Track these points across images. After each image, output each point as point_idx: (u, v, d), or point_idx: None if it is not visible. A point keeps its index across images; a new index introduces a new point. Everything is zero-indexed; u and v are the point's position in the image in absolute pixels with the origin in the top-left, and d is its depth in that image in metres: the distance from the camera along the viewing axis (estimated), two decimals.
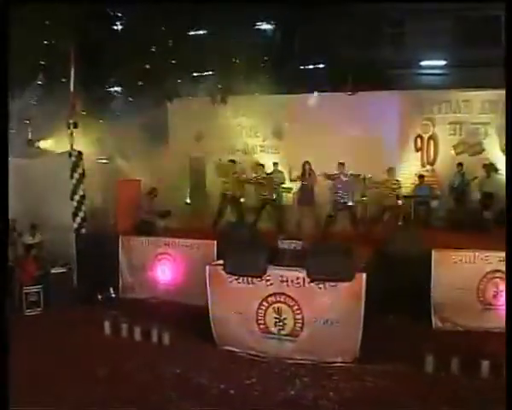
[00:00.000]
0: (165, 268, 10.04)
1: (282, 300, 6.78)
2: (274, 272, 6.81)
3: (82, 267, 10.35)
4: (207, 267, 7.16)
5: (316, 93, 14.39)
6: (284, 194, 13.80)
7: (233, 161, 13.11)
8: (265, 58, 14.62)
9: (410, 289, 8.16)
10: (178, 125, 15.20)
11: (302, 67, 13.80)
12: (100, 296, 9.92)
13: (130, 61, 13.22)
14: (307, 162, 11.87)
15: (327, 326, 6.61)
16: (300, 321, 6.73)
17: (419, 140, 14.19)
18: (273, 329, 6.87)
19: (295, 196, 12.66)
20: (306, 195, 11.77)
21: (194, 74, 14.59)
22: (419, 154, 14.20)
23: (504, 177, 12.26)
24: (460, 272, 8.22)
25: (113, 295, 10.15)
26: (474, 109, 13.79)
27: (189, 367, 6.67)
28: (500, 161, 13.08)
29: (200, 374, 6.46)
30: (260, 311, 6.89)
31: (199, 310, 7.61)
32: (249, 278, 6.87)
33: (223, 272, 7.00)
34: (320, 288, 6.60)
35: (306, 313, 6.68)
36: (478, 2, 13.13)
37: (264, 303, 6.86)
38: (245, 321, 6.97)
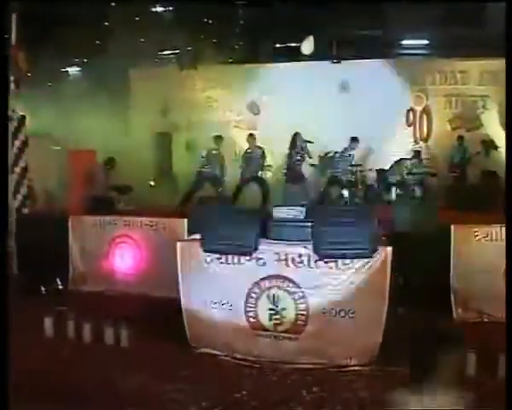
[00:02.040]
0: (124, 254, 8.26)
1: (279, 284, 5.11)
2: (268, 248, 5.14)
3: (23, 254, 8.52)
4: (178, 244, 5.45)
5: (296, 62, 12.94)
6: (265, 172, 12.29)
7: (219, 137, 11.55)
8: (241, 22, 12.96)
9: (424, 272, 6.79)
10: (142, 96, 13.49)
11: (281, 33, 12.08)
12: (44, 289, 8.08)
13: (86, 17, 11.43)
14: (298, 134, 10.45)
15: (339, 319, 5.00)
16: (304, 313, 5.08)
17: (411, 114, 12.93)
18: (267, 324, 5.20)
19: (285, 171, 11.20)
20: (297, 171, 10.37)
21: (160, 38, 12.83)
22: (411, 129, 12.89)
23: (503, 154, 11.38)
24: (484, 252, 6.73)
25: (61, 287, 8.34)
26: (471, 81, 12.58)
27: (156, 378, 4.98)
28: (499, 138, 11.87)
29: (171, 387, 4.79)
30: (250, 300, 5.21)
31: (168, 304, 5.93)
32: (235, 257, 5.20)
33: (199, 250, 5.31)
34: (331, 268, 4.97)
35: (312, 301, 5.04)
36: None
37: (256, 290, 5.18)
38: (229, 314, 5.30)
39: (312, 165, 12.03)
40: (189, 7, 11.89)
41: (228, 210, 5.58)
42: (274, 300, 5.13)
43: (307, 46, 11.31)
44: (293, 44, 12.96)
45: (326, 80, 12.90)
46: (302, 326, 5.10)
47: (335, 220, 4.93)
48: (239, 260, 5.18)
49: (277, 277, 5.11)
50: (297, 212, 5.19)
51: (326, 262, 4.96)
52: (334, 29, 12.74)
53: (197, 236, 5.43)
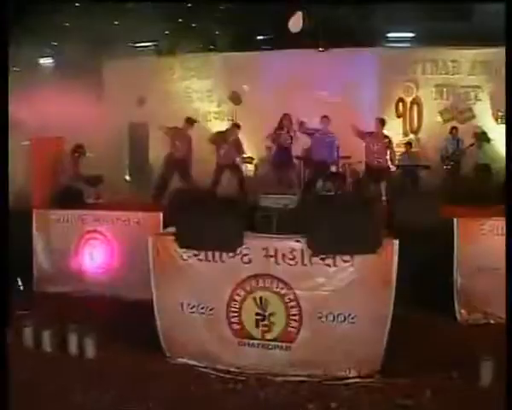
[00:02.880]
0: (94, 251, 7.46)
1: (267, 285, 4.42)
2: (254, 242, 4.43)
3: None
4: (150, 239, 4.72)
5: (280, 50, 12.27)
6: (244, 166, 11.62)
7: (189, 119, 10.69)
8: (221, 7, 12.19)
9: (424, 269, 6.17)
10: (117, 84, 12.70)
11: (262, 19, 11.39)
12: None
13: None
14: (287, 115, 9.72)
15: (337, 324, 4.33)
16: (297, 318, 4.39)
17: (400, 104, 12.31)
18: (254, 331, 4.50)
19: (271, 156, 10.47)
20: (284, 156, 9.65)
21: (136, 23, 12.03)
22: (401, 120, 12.30)
23: (495, 147, 10.87)
24: (491, 247, 6.10)
25: (22, 289, 7.52)
26: (463, 70, 12.02)
27: (126, 393, 4.25)
28: (492, 130, 11.36)
29: (142, 403, 4.07)
30: (234, 304, 4.51)
31: (141, 307, 5.18)
32: (215, 254, 4.49)
33: (175, 246, 4.59)
34: (328, 265, 4.29)
35: (306, 304, 4.35)
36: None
37: (240, 291, 4.48)
38: (210, 320, 4.60)
39: (298, 157, 11.38)
40: None
41: (207, 200, 4.86)
42: (261, 303, 4.42)
43: (295, 23, 10.39)
44: (277, 31, 12.24)
45: (311, 69, 12.23)
46: (294, 334, 4.40)
47: (333, 210, 4.25)
48: (220, 257, 4.46)
49: (265, 276, 4.40)
50: (288, 200, 4.48)
51: (322, 259, 4.27)
52: (320, 15, 12.06)
53: (172, 229, 4.70)
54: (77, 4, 10.85)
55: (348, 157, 11.14)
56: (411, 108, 12.41)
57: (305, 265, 4.31)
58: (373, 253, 4.20)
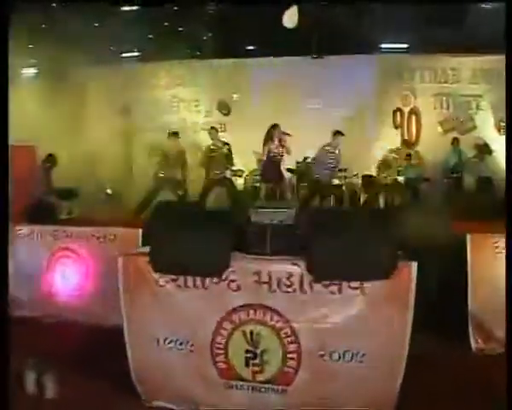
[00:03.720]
0: (66, 271, 6.72)
1: (259, 317, 3.69)
2: (244, 265, 3.72)
3: None
4: (120, 260, 4.00)
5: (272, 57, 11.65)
6: (234, 179, 10.93)
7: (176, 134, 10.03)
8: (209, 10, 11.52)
9: (435, 292, 5.50)
10: (99, 93, 12.02)
11: (253, 23, 10.75)
12: None
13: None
14: (276, 126, 9.04)
15: (343, 364, 3.60)
16: (294, 356, 3.65)
17: (398, 114, 11.70)
18: (244, 372, 3.75)
19: (260, 169, 9.74)
20: (274, 168, 8.94)
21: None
22: (398, 131, 11.70)
23: (497, 159, 10.28)
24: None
25: None
26: (463, 78, 11.44)
27: None
28: (494, 141, 10.79)
29: None
30: (219, 339, 3.77)
31: (117, 335, 4.44)
32: (197, 279, 3.77)
33: (149, 269, 3.86)
34: (332, 293, 3.58)
35: (306, 340, 3.63)
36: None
37: (227, 324, 3.74)
38: (191, 357, 3.86)
39: (290, 170, 10.71)
40: None
41: (189, 214, 4.11)
42: (252, 338, 3.69)
43: (290, 18, 9.54)
44: (269, 38, 11.60)
45: (305, 77, 11.64)
46: (291, 375, 3.67)
47: (338, 226, 3.53)
48: (203, 283, 3.74)
49: (257, 306, 3.68)
50: (284, 215, 3.76)
51: (326, 285, 3.56)
52: (313, 21, 11.46)
53: (144, 248, 3.98)
54: (53, 5, 10.11)
55: (344, 170, 10.51)
56: (409, 118, 11.84)
57: (305, 293, 3.60)
58: (386, 278, 3.50)
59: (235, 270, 3.66)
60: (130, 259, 4.01)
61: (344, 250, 3.47)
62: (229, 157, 10.10)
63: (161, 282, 3.85)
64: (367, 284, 3.52)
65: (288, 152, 9.17)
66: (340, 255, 3.47)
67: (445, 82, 11.65)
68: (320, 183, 9.07)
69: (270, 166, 9.08)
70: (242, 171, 11.11)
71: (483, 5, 11.15)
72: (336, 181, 9.30)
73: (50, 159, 7.91)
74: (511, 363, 2.92)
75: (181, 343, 3.82)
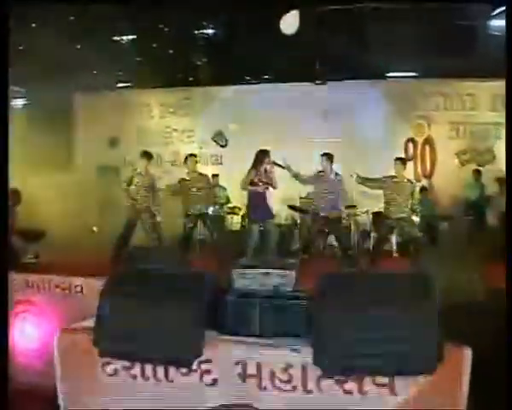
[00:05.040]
0: (26, 328, 5.68)
1: None
2: (223, 351, 2.62)
3: None
4: (56, 338, 2.93)
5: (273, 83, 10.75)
6: (229, 217, 9.87)
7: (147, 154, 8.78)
8: (203, 34, 10.58)
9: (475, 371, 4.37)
10: (86, 123, 11.11)
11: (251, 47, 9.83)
12: None
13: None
14: (265, 152, 7.86)
15: None
16: None
17: (411, 145, 10.69)
18: None
19: (248, 204, 8.43)
20: (263, 202, 7.75)
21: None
22: (411, 163, 10.70)
23: None
24: None
25: None
26: (481, 105, 10.43)
27: None
28: None
29: None
30: None
31: None
32: (159, 368, 2.67)
33: (94, 351, 2.77)
34: (349, 393, 2.46)
35: None
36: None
37: None
38: None
39: (293, 207, 9.64)
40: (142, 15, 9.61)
41: (148, 277, 3.01)
42: None
43: (289, 23, 8.17)
44: (268, 62, 10.70)
45: (307, 105, 10.70)
46: None
47: (359, 296, 2.43)
48: (166, 373, 2.64)
49: (243, 408, 2.57)
50: (280, 278, 2.66)
51: (340, 382, 2.45)
52: (316, 43, 10.58)
53: (88, 322, 2.90)
54: (33, 25, 9.20)
55: (353, 206, 9.44)
56: (423, 148, 10.86)
57: (310, 392, 2.48)
58: (429, 372, 2.39)
59: (210, 358, 2.56)
60: (68, 337, 2.92)
61: (367, 331, 2.38)
62: (225, 201, 9.04)
63: (109, 369, 2.75)
64: (400, 381, 2.41)
65: (274, 185, 7.89)
66: (362, 339, 2.37)
67: (462, 109, 10.70)
68: (321, 220, 7.88)
69: (259, 201, 7.75)
70: (239, 208, 10.06)
71: (502, 24, 10.25)
72: (338, 216, 7.92)
73: (14, 195, 6.91)
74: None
75: None
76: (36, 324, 5.60)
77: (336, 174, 7.93)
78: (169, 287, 2.73)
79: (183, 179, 8.40)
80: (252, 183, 7.58)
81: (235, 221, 10.17)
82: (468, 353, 2.41)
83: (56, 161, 9.89)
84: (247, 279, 2.65)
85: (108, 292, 2.83)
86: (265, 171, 7.60)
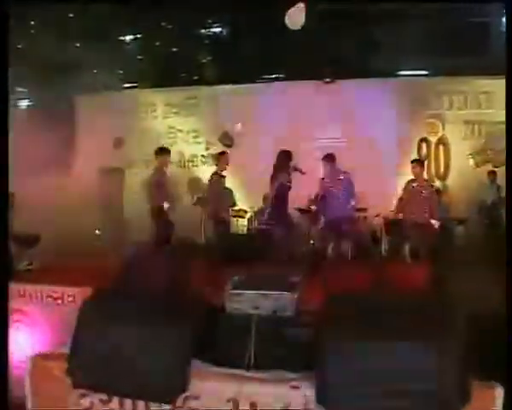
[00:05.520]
0: (19, 339, 5.37)
1: None
2: (212, 386, 2.27)
3: None
4: (28, 361, 2.62)
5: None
6: (235, 221, 9.53)
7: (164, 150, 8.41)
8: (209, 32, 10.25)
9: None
10: (89, 124, 10.87)
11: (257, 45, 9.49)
12: None
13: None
14: (287, 154, 7.44)
15: None
16: None
17: (424, 145, 10.29)
18: None
19: (263, 209, 8.06)
20: (281, 208, 7.31)
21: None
22: (424, 164, 10.23)
23: None
24: None
25: None
26: (497, 103, 10.01)
27: None
28: None
29: None
30: None
31: None
32: (140, 404, 2.33)
33: (67, 382, 2.44)
34: None
35: None
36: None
37: None
38: None
39: (302, 210, 9.25)
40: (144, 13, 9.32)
41: (128, 295, 2.65)
42: None
43: (295, 17, 7.49)
44: (275, 60, 10.36)
45: (317, 104, 10.33)
46: None
47: (372, 324, 2.08)
48: (147, 408, 2.30)
49: None
50: (278, 301, 2.30)
51: None
52: (325, 41, 10.22)
53: (63, 349, 2.58)
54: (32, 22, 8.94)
55: (364, 209, 9.01)
56: (437, 149, 10.44)
57: None
58: None
59: (198, 394, 2.22)
60: (41, 363, 2.60)
61: (380, 364, 2.02)
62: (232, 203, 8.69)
63: (85, 402, 2.43)
64: None
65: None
66: (375, 373, 2.01)
67: (477, 108, 10.26)
68: (330, 223, 7.46)
69: (277, 207, 7.20)
70: (245, 211, 9.70)
71: None
72: (347, 218, 7.48)
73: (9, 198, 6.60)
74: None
75: None
76: (27, 334, 5.32)
77: (345, 172, 7.53)
78: (151, 310, 2.39)
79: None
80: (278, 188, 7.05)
81: (240, 224, 9.80)
82: (499, 391, 2.06)
83: (57, 162, 9.60)
84: (242, 302, 2.30)
85: (85, 316, 2.49)
86: (289, 174, 7.20)
